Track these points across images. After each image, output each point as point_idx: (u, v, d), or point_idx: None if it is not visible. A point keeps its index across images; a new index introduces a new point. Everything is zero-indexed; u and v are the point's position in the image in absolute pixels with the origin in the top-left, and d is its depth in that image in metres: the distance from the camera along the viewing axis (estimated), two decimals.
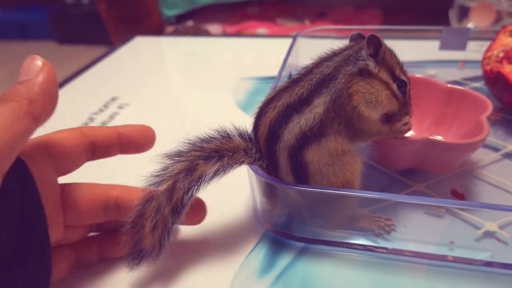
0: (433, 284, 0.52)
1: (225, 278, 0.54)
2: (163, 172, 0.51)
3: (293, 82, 0.54)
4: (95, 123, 0.94)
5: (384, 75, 0.54)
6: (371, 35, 0.52)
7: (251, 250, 0.58)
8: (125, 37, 1.44)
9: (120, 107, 1.01)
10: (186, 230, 0.61)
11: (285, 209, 0.58)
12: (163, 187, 0.50)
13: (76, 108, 1.01)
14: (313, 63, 0.56)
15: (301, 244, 0.58)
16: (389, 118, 0.60)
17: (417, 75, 0.75)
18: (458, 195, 0.64)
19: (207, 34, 2.45)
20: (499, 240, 0.55)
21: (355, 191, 0.53)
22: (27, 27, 4.21)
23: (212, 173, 0.51)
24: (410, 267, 0.55)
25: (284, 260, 0.56)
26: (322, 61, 0.55)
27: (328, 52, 0.56)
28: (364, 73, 0.53)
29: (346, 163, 0.54)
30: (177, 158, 0.52)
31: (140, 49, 1.39)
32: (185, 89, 1.12)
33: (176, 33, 2.42)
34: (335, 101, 0.52)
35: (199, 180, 0.51)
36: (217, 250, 0.58)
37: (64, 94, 1.08)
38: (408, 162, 0.65)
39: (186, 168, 0.51)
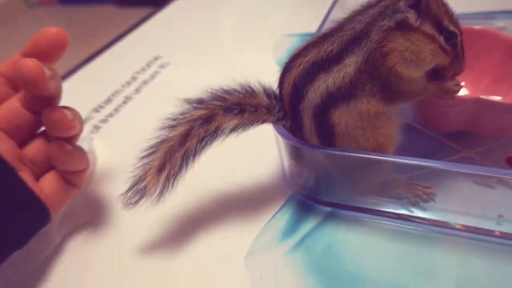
0: (474, 260, 0.47)
1: (246, 239, 0.53)
2: (180, 117, 0.50)
3: (323, 37, 0.49)
4: (137, 83, 0.95)
5: (428, 28, 0.47)
6: None
7: (276, 213, 0.56)
8: None
9: (162, 66, 1.01)
10: (210, 187, 0.60)
11: (312, 172, 0.55)
12: (178, 131, 0.49)
13: (120, 68, 1.03)
14: (346, 18, 0.50)
15: (328, 209, 0.55)
16: (436, 75, 0.52)
17: (477, 27, 0.65)
18: None
19: None
20: None
21: (389, 156, 0.48)
22: None
23: (230, 127, 0.50)
24: (449, 240, 0.50)
25: (308, 224, 0.54)
26: (356, 15, 0.49)
27: (364, 4, 0.49)
28: (403, 27, 0.46)
29: (380, 126, 0.49)
30: (196, 105, 0.50)
31: (184, 8, 1.37)
32: (227, 47, 1.09)
33: None
34: (368, 61, 0.46)
35: (216, 132, 0.49)
36: (241, 210, 0.57)
37: (112, 55, 1.10)
38: (457, 124, 0.58)
39: (204, 117, 0.50)
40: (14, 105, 0.52)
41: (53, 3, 4.52)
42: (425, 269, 0.47)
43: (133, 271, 0.52)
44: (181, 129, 0.49)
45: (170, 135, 0.49)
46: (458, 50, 0.50)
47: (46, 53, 0.52)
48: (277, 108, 0.51)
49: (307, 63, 0.48)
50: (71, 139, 0.55)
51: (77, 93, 0.93)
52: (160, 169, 0.49)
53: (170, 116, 0.50)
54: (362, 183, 0.53)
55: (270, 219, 0.55)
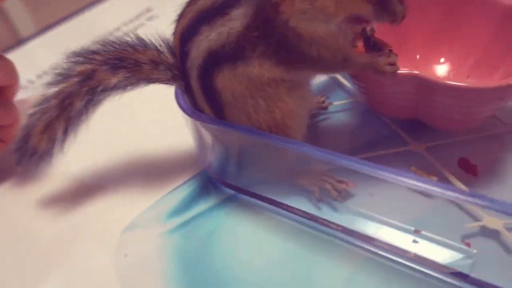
0: (366, 281, 0.38)
1: (134, 212, 0.48)
2: (64, 72, 0.44)
3: None
4: (119, 34, 0.91)
5: None
6: None
7: (175, 188, 0.50)
8: None
9: (150, 19, 0.96)
10: (117, 149, 0.55)
11: (215, 148, 0.47)
12: (57, 89, 0.44)
13: (111, 18, 0.99)
14: None
15: (231, 192, 0.48)
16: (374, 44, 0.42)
17: None
18: (468, 167, 0.43)
19: None
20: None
21: (275, 140, 0.38)
22: None
23: (112, 84, 0.43)
24: (350, 252, 0.40)
25: (202, 206, 0.47)
26: None
27: None
28: None
29: (276, 97, 0.40)
30: (78, 59, 0.44)
31: None
32: None
33: None
34: (258, 14, 0.36)
35: (96, 89, 0.43)
36: (140, 180, 0.51)
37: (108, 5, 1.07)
38: (403, 110, 0.46)
39: (85, 72, 0.43)
40: None
41: None
42: (305, 279, 0.39)
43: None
44: (62, 86, 0.44)
45: (52, 93, 0.44)
46: None
47: None
48: (168, 65, 0.44)
49: (193, 12, 0.39)
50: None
51: (62, 42, 0.92)
52: (43, 130, 0.45)
53: (56, 70, 0.45)
54: (264, 168, 0.45)
55: (166, 194, 0.49)
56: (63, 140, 0.45)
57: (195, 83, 0.41)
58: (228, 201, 0.47)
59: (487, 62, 0.49)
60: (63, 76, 0.44)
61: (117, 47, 0.44)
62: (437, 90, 0.40)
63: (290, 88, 0.40)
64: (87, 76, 0.43)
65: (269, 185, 0.45)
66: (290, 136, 0.41)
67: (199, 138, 0.46)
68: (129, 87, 0.44)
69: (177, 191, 0.49)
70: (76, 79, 0.43)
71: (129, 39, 0.44)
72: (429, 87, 0.40)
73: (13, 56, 0.56)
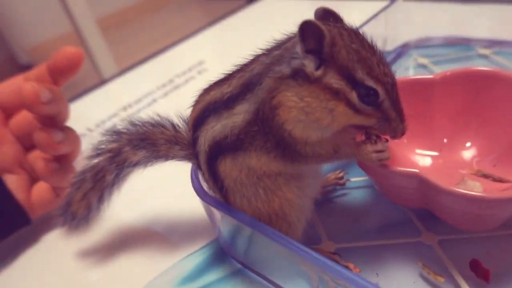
0: None
1: (152, 271, 0.52)
2: (101, 147, 0.50)
3: (231, 74, 0.43)
4: (169, 87, 0.99)
5: (333, 80, 0.36)
6: (306, 22, 0.35)
7: (191, 253, 0.53)
8: None
9: (200, 72, 1.03)
10: (136, 214, 0.60)
11: (223, 223, 0.50)
12: (92, 163, 0.50)
13: (167, 70, 1.08)
14: (254, 55, 0.42)
15: (238, 266, 0.50)
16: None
17: (482, 68, 0.48)
18: (480, 271, 0.40)
19: None
20: None
21: (270, 232, 0.38)
22: None
23: (135, 161, 0.49)
24: None
25: (213, 275, 0.49)
26: (264, 53, 0.41)
27: (276, 41, 0.41)
28: (299, 76, 0.37)
29: (275, 187, 0.41)
30: (110, 137, 0.50)
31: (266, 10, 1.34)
32: None
33: None
34: (258, 112, 0.39)
35: (123, 165, 0.49)
36: (162, 242, 0.55)
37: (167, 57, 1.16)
38: (414, 202, 0.45)
39: (113, 151, 0.49)
40: (28, 114, 0.58)
41: None
42: None
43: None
44: (96, 161, 0.50)
45: (88, 167, 0.50)
46: (385, 110, 0.38)
47: (61, 71, 0.58)
48: (183, 145, 0.48)
49: (205, 102, 0.43)
50: (61, 158, 0.59)
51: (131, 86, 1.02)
52: (82, 198, 0.51)
53: (96, 145, 0.51)
54: (265, 251, 0.46)
55: (181, 259, 0.52)
56: (98, 208, 0.52)
57: (204, 166, 0.44)
58: (235, 274, 0.49)
59: None
60: (97, 152, 0.50)
61: (140, 127, 0.49)
62: (439, 193, 0.39)
63: (288, 179, 0.41)
64: (115, 154, 0.49)
65: (272, 266, 0.46)
66: (290, 224, 0.42)
67: (210, 213, 0.49)
68: (149, 163, 0.49)
69: (191, 257, 0.52)
70: (107, 156, 0.49)
71: (150, 119, 0.49)
72: (431, 188, 0.39)
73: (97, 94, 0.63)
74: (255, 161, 0.40)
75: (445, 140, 0.51)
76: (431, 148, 0.52)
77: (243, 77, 0.40)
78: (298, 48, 0.37)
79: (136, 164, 0.49)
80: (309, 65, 0.37)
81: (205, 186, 0.47)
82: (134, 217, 0.61)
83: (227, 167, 0.41)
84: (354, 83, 0.36)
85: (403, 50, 0.83)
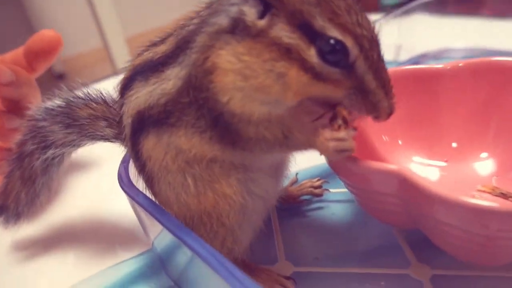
0: None
1: (76, 276, 0.42)
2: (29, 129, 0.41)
3: (171, 32, 0.33)
4: None
5: (283, 32, 0.26)
6: None
7: (123, 261, 0.42)
8: None
9: None
10: (71, 215, 0.51)
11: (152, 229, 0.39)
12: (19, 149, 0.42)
13: None
14: (199, 8, 0.31)
15: (170, 283, 0.38)
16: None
17: (504, 59, 0.37)
18: None
19: None
20: None
21: (198, 246, 0.27)
22: None
23: (61, 141, 0.40)
24: None
25: None
26: (206, 5, 0.31)
27: None
28: (238, 29, 0.27)
29: (210, 179, 0.31)
30: (39, 116, 0.41)
31: None
32: None
33: None
34: (190, 79, 0.29)
35: (49, 147, 0.40)
36: (94, 246, 0.45)
37: None
38: (398, 219, 0.33)
39: (38, 131, 0.40)
40: None
41: None
42: None
43: None
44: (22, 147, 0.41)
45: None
46: (360, 75, 0.27)
47: (37, 54, 0.53)
48: (114, 121, 0.38)
49: (136, 63, 0.33)
50: None
51: None
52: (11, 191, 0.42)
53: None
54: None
55: (111, 266, 0.42)
56: (31, 200, 0.43)
57: (127, 143, 0.34)
58: None
59: None
60: (24, 135, 0.42)
61: (68, 102, 0.40)
62: (428, 200, 0.27)
63: (228, 168, 0.31)
64: (39, 135, 0.40)
65: None
66: (228, 230, 0.31)
67: (137, 213, 0.38)
68: (77, 145, 0.40)
69: (121, 265, 0.42)
70: (32, 139, 0.41)
71: (81, 93, 0.41)
72: (416, 193, 0.27)
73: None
74: (184, 141, 0.30)
75: (454, 145, 0.40)
76: (435, 156, 0.40)
77: (179, 35, 0.31)
78: None
79: (61, 146, 0.40)
80: (250, 12, 0.27)
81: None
82: (71, 214, 0.51)
83: (150, 145, 0.31)
84: (313, 35, 0.26)
85: (419, 60, 0.72)
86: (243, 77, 0.27)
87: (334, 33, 0.26)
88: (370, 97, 0.27)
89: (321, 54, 0.26)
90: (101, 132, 0.39)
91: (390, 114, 0.28)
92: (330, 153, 0.28)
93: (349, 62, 0.26)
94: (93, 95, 0.40)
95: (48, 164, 0.41)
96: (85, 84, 0.42)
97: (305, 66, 0.26)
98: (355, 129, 0.28)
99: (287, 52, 0.26)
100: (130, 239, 0.45)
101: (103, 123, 0.38)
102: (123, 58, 2.35)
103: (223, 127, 0.29)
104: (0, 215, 0.44)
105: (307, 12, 0.26)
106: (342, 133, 0.27)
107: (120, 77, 0.35)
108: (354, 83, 0.27)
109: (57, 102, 0.40)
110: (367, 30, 0.27)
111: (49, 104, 0.40)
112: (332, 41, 0.26)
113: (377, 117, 0.28)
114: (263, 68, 0.26)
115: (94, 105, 0.39)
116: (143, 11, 3.26)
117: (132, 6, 3.12)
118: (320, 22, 0.26)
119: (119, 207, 0.49)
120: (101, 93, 0.40)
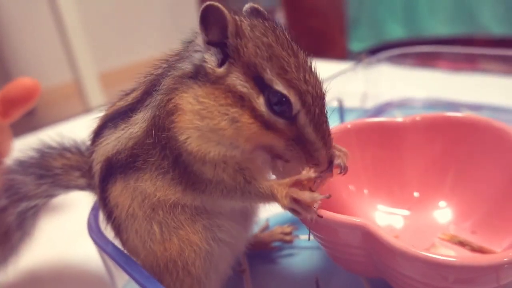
0: None
1: None
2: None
3: (142, 80, 0.35)
4: None
5: (238, 81, 0.28)
6: (208, 6, 0.28)
7: None
8: None
9: None
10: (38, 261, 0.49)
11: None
12: None
13: None
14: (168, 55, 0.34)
15: None
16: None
17: (457, 114, 0.41)
18: None
19: None
20: None
21: None
22: None
23: (33, 194, 0.40)
24: None
25: None
26: (175, 53, 0.33)
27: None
28: (199, 75, 0.29)
29: (175, 225, 0.31)
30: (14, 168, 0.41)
31: None
32: None
33: None
34: (155, 120, 0.30)
35: (22, 200, 0.40)
36: None
37: None
38: (367, 269, 0.34)
39: (11, 184, 0.40)
40: None
41: None
42: None
43: None
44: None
45: None
46: (301, 126, 0.29)
47: (14, 101, 0.52)
48: (86, 170, 0.38)
49: (108, 112, 0.34)
50: None
51: None
52: None
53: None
54: None
55: None
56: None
57: (96, 191, 0.34)
58: None
59: (502, 218, 0.36)
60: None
61: (42, 153, 0.40)
62: (390, 253, 0.28)
63: (193, 214, 0.31)
64: (12, 188, 0.40)
65: None
66: (194, 279, 0.32)
67: (106, 265, 0.38)
68: (50, 195, 0.40)
69: None
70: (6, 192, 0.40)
71: (55, 143, 0.41)
72: (379, 247, 0.28)
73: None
74: (149, 184, 0.31)
75: (416, 194, 0.42)
76: (398, 205, 0.42)
77: (147, 81, 0.33)
78: (199, 39, 0.29)
79: (34, 197, 0.39)
80: (211, 60, 0.29)
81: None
82: (38, 260, 0.49)
83: (118, 192, 0.32)
84: (263, 86, 0.28)
85: (383, 108, 0.76)
86: (200, 117, 0.29)
87: (279, 87, 0.28)
88: (309, 146, 0.29)
89: (269, 104, 0.28)
90: (74, 182, 0.39)
91: (330, 162, 0.30)
92: (285, 206, 0.29)
93: (292, 114, 0.29)
94: (67, 145, 0.40)
95: (23, 218, 0.41)
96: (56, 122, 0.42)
97: (255, 113, 0.28)
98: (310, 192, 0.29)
99: (241, 100, 0.28)
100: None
101: (77, 173, 0.39)
102: (96, 94, 2.33)
103: (182, 168, 0.30)
104: None
105: (260, 65, 0.28)
106: (306, 194, 0.28)
107: (92, 115, 0.36)
108: (296, 133, 0.29)
109: (30, 153, 0.40)
110: (313, 87, 0.29)
111: (22, 156, 0.40)
112: (278, 94, 0.28)
113: (317, 165, 0.30)
114: (219, 111, 0.28)
115: (69, 155, 0.39)
116: (117, 46, 3.26)
117: (105, 41, 3.12)
118: (269, 76, 0.28)
119: (84, 253, 0.48)
120: (76, 142, 0.40)
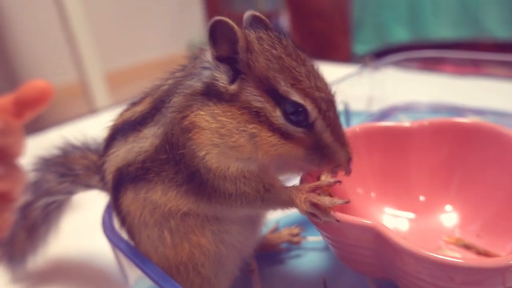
0: None
1: None
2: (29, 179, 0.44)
3: (148, 92, 0.35)
4: None
5: (252, 96, 0.29)
6: (217, 21, 0.28)
7: None
8: None
9: None
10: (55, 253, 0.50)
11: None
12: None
13: None
14: (173, 70, 0.35)
15: None
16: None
17: (468, 120, 0.41)
18: None
19: None
20: None
21: None
22: None
23: (57, 190, 0.42)
24: None
25: None
26: (180, 68, 0.34)
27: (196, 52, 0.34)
28: (212, 92, 0.30)
29: (186, 231, 0.32)
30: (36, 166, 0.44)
31: None
32: None
33: None
34: (167, 137, 0.31)
35: (45, 196, 0.42)
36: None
37: None
38: (375, 270, 0.35)
39: (36, 181, 0.43)
40: None
41: None
42: None
43: None
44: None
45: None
46: (318, 132, 0.30)
47: (27, 103, 0.53)
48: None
49: (118, 122, 0.36)
50: None
51: None
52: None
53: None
54: None
55: None
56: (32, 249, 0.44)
57: (110, 199, 0.36)
58: None
59: (506, 222, 0.37)
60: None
61: (65, 151, 0.42)
62: (398, 254, 0.29)
63: (203, 220, 0.33)
64: (37, 185, 0.42)
65: None
66: (204, 279, 0.33)
67: (119, 262, 0.39)
68: (72, 191, 0.42)
69: None
70: (31, 188, 0.43)
71: (78, 141, 0.42)
72: (388, 247, 0.29)
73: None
74: (160, 195, 0.32)
75: (421, 198, 0.43)
76: (405, 208, 0.43)
77: (154, 95, 0.33)
78: (208, 55, 0.30)
79: (55, 193, 0.41)
80: (221, 77, 0.30)
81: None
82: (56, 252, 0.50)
83: (129, 201, 0.33)
84: (278, 98, 0.29)
85: (389, 112, 0.77)
86: (219, 135, 0.29)
87: (296, 97, 0.29)
88: (327, 150, 0.30)
89: (286, 115, 0.29)
90: (94, 182, 0.40)
91: (349, 160, 0.31)
92: (304, 210, 0.30)
93: (309, 122, 0.30)
94: (91, 146, 0.41)
95: (47, 212, 0.42)
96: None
97: (273, 126, 0.29)
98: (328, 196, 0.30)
99: (257, 115, 0.29)
100: (108, 283, 0.45)
101: (97, 177, 0.40)
102: (101, 94, 2.34)
103: (199, 182, 0.31)
104: (9, 266, 0.45)
105: (273, 78, 0.29)
106: (327, 200, 0.29)
107: (98, 115, 0.37)
108: (313, 139, 0.30)
109: (55, 152, 0.42)
110: (324, 92, 0.30)
111: (47, 154, 0.42)
112: (294, 105, 0.29)
113: (338, 166, 0.31)
114: (237, 129, 0.29)
115: (91, 156, 0.41)
116: (123, 46, 3.26)
117: (111, 41, 3.12)
118: (284, 87, 0.29)
119: (99, 249, 0.49)
120: (97, 144, 0.41)
